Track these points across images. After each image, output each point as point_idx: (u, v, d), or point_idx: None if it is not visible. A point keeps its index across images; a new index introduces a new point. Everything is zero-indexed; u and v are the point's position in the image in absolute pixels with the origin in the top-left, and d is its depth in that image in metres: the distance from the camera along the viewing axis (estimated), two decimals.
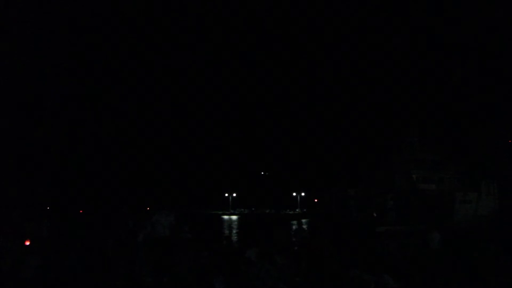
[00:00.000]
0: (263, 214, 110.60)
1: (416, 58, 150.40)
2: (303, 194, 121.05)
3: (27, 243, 10.74)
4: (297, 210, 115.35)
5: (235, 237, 39.81)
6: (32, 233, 13.08)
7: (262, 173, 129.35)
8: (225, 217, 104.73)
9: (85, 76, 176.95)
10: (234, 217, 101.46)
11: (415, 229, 32.45)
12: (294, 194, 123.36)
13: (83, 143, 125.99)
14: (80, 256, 8.91)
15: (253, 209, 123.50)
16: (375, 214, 48.15)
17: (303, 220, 59.79)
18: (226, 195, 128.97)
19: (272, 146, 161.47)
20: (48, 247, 11.29)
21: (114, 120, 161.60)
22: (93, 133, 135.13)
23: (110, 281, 7.82)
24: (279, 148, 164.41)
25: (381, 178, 55.20)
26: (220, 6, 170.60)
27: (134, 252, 9.06)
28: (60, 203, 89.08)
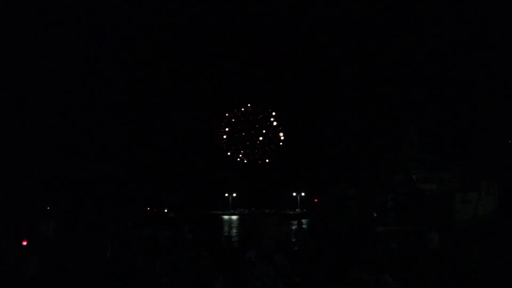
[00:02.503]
0: (263, 214, 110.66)
1: (416, 57, 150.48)
2: (303, 194, 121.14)
3: (24, 243, 10.69)
4: (297, 210, 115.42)
5: (235, 237, 39.82)
6: (31, 233, 13.04)
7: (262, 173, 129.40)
8: (225, 217, 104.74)
9: (85, 75, 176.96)
10: (234, 217, 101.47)
11: (415, 229, 32.41)
12: (294, 194, 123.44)
13: (84, 143, 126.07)
14: (80, 256, 8.91)
15: (253, 209, 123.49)
16: (375, 214, 48.14)
17: (303, 220, 59.69)
18: (226, 195, 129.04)
19: (272, 145, 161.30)
20: (53, 247, 11.26)
21: (114, 120, 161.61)
22: (93, 133, 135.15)
23: (109, 281, 7.81)
24: (279, 148, 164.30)
25: (381, 178, 55.19)
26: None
27: (133, 252, 9.06)
28: (60, 203, 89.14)
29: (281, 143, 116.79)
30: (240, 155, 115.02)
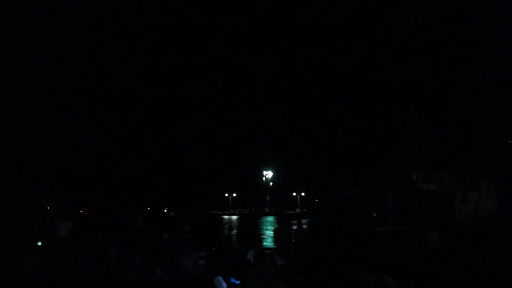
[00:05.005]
0: (263, 214, 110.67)
1: (415, 57, 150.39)
2: (303, 194, 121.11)
3: (39, 243, 10.57)
4: (297, 210, 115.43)
5: (235, 237, 39.85)
6: (46, 233, 13.00)
7: (263, 174, 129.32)
8: (225, 217, 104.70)
9: (86, 76, 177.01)
10: (234, 217, 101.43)
11: (415, 229, 32.42)
12: (294, 194, 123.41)
13: (86, 144, 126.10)
14: (82, 256, 8.89)
15: (253, 209, 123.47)
16: (375, 214, 48.14)
17: (303, 220, 59.59)
18: (226, 195, 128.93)
19: (272, 146, 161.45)
20: (68, 247, 11.18)
21: (115, 121, 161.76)
22: (95, 134, 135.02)
23: (111, 281, 7.81)
24: (279, 148, 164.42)
25: (381, 178, 55.13)
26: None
27: (137, 252, 9.00)
28: (63, 204, 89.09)
29: None
30: None
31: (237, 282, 7.73)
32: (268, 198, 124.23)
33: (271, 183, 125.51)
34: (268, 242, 25.36)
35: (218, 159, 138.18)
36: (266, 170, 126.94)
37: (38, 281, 6.76)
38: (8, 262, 7.37)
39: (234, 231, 50.99)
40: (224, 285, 7.67)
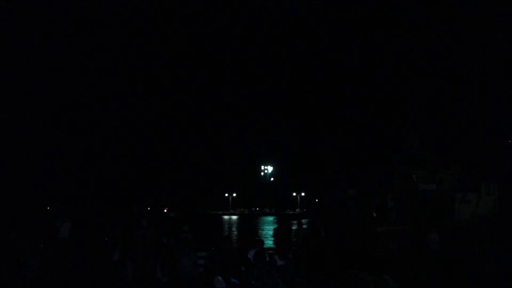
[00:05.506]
0: (263, 214, 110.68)
1: (415, 58, 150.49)
2: (303, 194, 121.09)
3: (41, 245, 10.57)
4: (297, 210, 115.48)
5: (235, 237, 39.85)
6: (47, 235, 13.06)
7: (262, 173, 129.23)
8: (225, 217, 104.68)
9: (88, 77, 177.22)
10: (234, 217, 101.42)
11: (415, 229, 32.36)
12: (294, 194, 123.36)
13: (86, 144, 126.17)
14: (83, 256, 8.90)
15: (253, 209, 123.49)
16: (375, 214, 48.05)
17: (303, 220, 59.57)
18: (226, 195, 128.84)
19: (272, 146, 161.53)
20: (68, 247, 11.21)
21: (116, 121, 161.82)
22: (95, 135, 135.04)
23: (111, 280, 7.82)
24: (279, 148, 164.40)
25: (381, 178, 55.00)
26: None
27: (139, 252, 9.02)
28: (63, 203, 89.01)
29: None
30: None
31: (237, 282, 7.73)
32: (267, 195, 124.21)
33: (271, 179, 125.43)
34: (269, 242, 25.36)
35: (218, 158, 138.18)
36: (266, 165, 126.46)
37: (38, 281, 6.77)
38: (8, 262, 7.37)
39: (234, 231, 50.99)
40: (224, 285, 7.67)
